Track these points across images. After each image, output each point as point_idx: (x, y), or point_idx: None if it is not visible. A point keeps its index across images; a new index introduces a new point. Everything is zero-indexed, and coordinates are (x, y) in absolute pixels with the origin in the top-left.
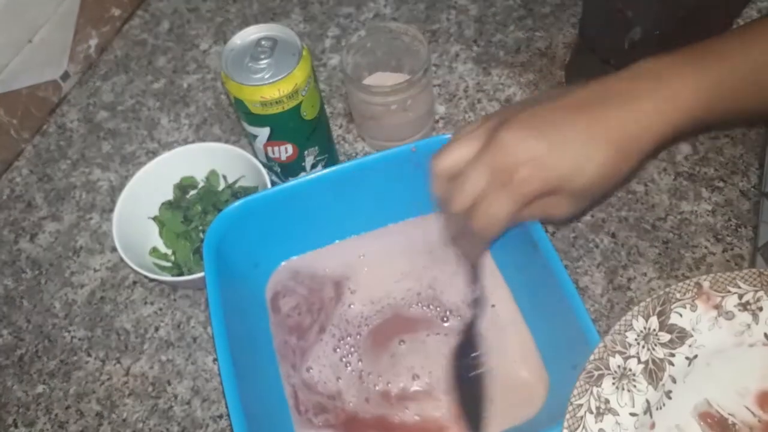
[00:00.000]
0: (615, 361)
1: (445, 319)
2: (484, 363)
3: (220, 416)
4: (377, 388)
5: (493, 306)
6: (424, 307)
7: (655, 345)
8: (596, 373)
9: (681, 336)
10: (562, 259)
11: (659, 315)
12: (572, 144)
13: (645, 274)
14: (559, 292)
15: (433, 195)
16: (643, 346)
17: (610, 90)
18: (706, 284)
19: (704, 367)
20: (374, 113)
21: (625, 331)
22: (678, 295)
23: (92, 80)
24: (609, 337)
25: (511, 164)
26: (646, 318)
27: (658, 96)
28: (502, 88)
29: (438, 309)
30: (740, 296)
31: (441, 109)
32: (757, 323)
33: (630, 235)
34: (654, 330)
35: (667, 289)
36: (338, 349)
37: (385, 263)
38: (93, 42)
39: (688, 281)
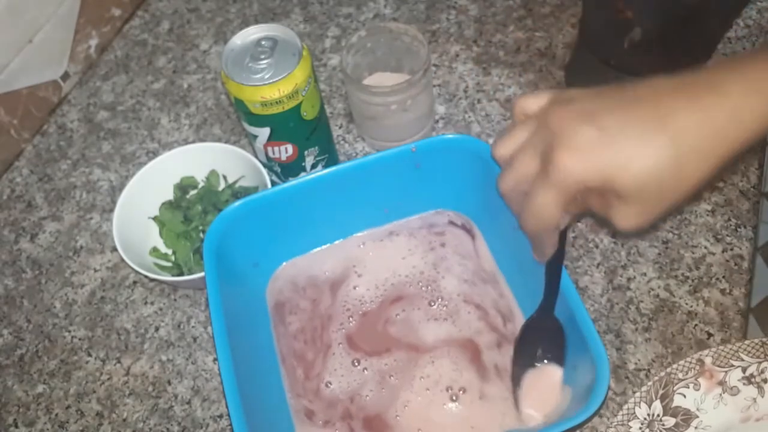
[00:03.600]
0: None
1: (432, 303)
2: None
3: (220, 416)
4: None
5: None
6: (423, 287)
7: (661, 431)
8: None
9: (686, 418)
10: None
11: (662, 398)
12: (625, 134)
13: (645, 274)
14: (559, 293)
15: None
16: None
17: (684, 82)
18: (708, 360)
19: None
20: (374, 113)
21: (629, 420)
22: (680, 375)
23: (92, 80)
24: (612, 429)
25: (552, 146)
26: (649, 404)
27: (741, 90)
28: (502, 89)
29: (433, 293)
30: (744, 369)
31: (441, 109)
32: (763, 396)
33: (629, 235)
34: (658, 416)
35: (669, 370)
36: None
37: (385, 254)
38: (93, 42)
39: (689, 359)
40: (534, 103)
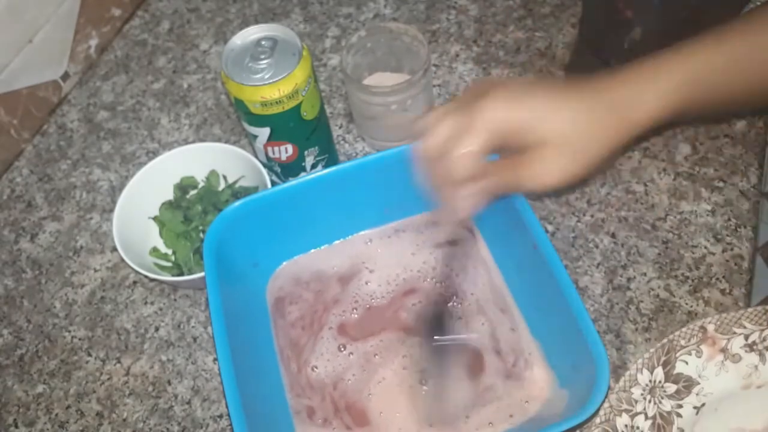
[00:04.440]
0: (622, 421)
1: (447, 300)
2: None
3: (220, 416)
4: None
5: (494, 305)
6: (437, 283)
7: (662, 398)
8: None
9: (687, 385)
10: (561, 259)
11: (664, 365)
12: (546, 92)
13: (645, 274)
14: (559, 293)
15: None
16: (650, 401)
17: (591, 80)
18: (711, 327)
19: (712, 412)
20: (374, 113)
21: (630, 387)
22: (683, 342)
23: (92, 80)
24: (614, 395)
25: (478, 97)
26: (651, 370)
27: (642, 80)
28: None
29: (448, 289)
30: (746, 337)
31: None
32: (764, 363)
33: (630, 235)
34: (660, 382)
35: (671, 336)
36: (336, 339)
37: (393, 251)
38: (93, 42)
39: (692, 325)
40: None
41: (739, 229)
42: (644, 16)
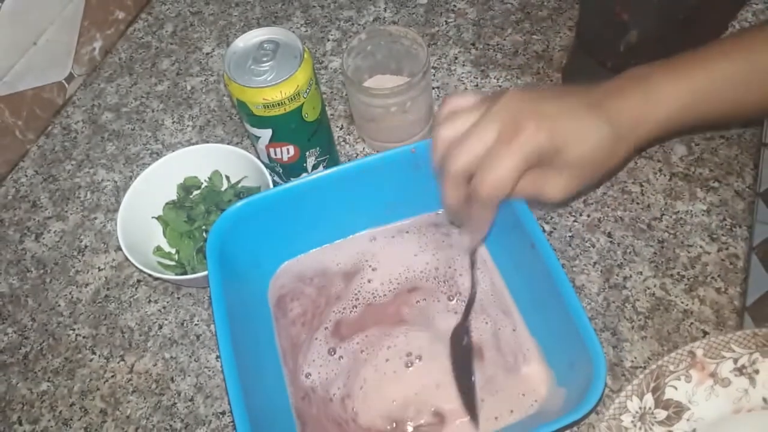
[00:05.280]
0: None
1: (451, 298)
2: (476, 351)
3: (223, 413)
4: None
5: (493, 301)
6: (440, 283)
7: (653, 424)
8: None
9: (678, 411)
10: (559, 258)
11: (654, 391)
12: (577, 113)
13: (641, 273)
14: (556, 291)
15: (434, 166)
16: (640, 428)
17: (607, 87)
18: (699, 352)
19: None
20: (374, 115)
21: (620, 414)
22: (671, 367)
23: (97, 82)
24: (604, 424)
25: (518, 118)
26: (641, 396)
27: (648, 96)
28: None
29: (452, 288)
30: (735, 360)
31: None
32: (754, 387)
33: (626, 234)
34: (650, 408)
35: (660, 362)
36: (328, 343)
37: (396, 250)
38: (97, 44)
39: (680, 350)
40: (464, 101)
41: (734, 229)
42: (640, 18)
